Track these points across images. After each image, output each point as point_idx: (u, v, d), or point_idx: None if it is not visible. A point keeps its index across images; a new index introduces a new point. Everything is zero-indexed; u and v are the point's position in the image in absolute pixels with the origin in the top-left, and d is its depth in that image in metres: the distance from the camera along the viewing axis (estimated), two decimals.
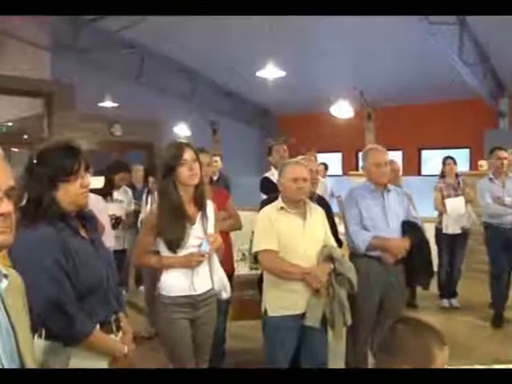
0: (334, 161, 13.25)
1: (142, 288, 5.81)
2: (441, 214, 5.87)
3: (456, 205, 5.73)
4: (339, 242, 3.53)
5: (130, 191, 5.63)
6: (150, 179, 5.00)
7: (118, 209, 5.22)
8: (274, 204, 3.14)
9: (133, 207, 5.53)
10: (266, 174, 4.83)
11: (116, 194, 5.26)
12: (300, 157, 3.98)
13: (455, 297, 5.97)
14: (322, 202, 3.54)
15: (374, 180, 3.63)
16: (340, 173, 13.56)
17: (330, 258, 3.04)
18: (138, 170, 6.74)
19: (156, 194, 3.07)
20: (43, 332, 1.83)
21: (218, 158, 6.58)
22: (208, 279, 2.81)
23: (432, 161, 12.90)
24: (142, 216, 4.88)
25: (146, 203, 4.88)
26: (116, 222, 5.17)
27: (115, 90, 9.97)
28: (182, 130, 11.77)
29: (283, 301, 3.01)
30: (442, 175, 5.93)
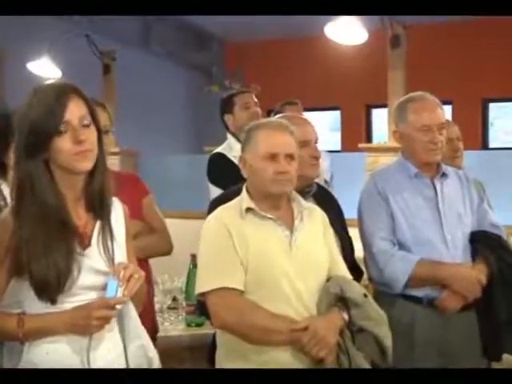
0: (325, 124, 13.41)
1: None
2: None
3: None
4: (358, 271, 3.60)
5: None
6: None
7: None
8: (233, 204, 3.19)
9: None
10: (219, 149, 4.94)
11: None
12: (277, 116, 4.00)
13: None
14: (323, 198, 3.61)
15: (420, 157, 3.71)
16: (338, 146, 13.75)
17: (342, 302, 3.07)
18: None
19: (10, 189, 2.95)
20: None
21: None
22: (119, 353, 2.75)
23: (506, 121, 13.15)
24: None
25: None
26: None
27: None
28: (45, 66, 11.61)
29: None
30: None
